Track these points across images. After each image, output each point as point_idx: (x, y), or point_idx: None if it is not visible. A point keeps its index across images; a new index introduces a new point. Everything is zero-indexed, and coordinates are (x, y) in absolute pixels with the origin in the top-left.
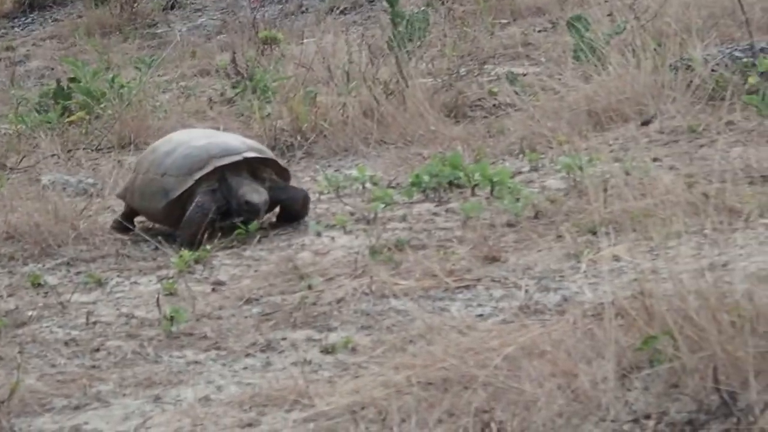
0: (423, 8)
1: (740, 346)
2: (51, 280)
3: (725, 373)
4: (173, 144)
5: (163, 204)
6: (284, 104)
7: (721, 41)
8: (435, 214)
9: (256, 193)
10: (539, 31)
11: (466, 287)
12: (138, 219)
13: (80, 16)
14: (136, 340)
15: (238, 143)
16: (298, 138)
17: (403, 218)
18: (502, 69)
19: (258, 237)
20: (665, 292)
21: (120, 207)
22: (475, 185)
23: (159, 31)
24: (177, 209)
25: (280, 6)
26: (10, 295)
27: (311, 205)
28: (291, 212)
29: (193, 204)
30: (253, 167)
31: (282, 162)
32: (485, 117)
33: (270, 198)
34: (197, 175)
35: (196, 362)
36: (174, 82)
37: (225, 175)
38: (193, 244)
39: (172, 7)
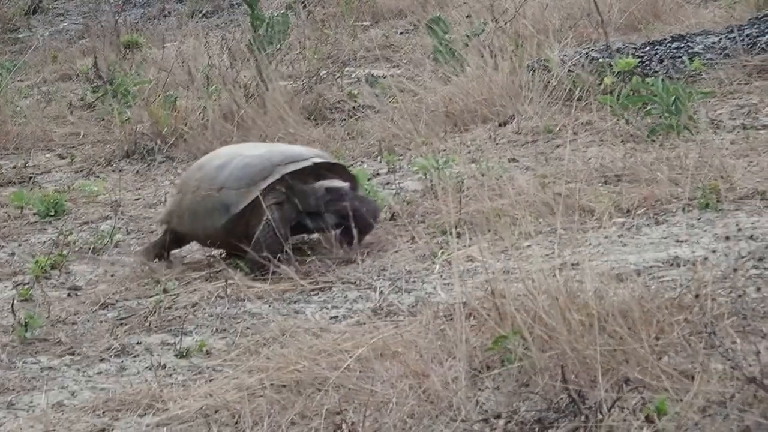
0: (283, 11)
1: (589, 344)
2: None
3: (574, 371)
4: (225, 157)
5: (224, 221)
6: (144, 108)
7: (579, 42)
8: None
9: (335, 182)
10: (401, 34)
11: (321, 289)
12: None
13: None
14: None
15: (301, 149)
16: (159, 142)
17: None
18: (363, 71)
19: (115, 241)
20: (517, 292)
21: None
22: None
23: (21, 35)
24: (240, 226)
25: (143, 10)
26: None
27: None
28: (362, 224)
29: (262, 224)
30: (319, 175)
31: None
32: (345, 119)
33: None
34: (262, 185)
35: (50, 368)
36: (35, 87)
37: (292, 184)
38: (263, 267)
39: (34, 12)
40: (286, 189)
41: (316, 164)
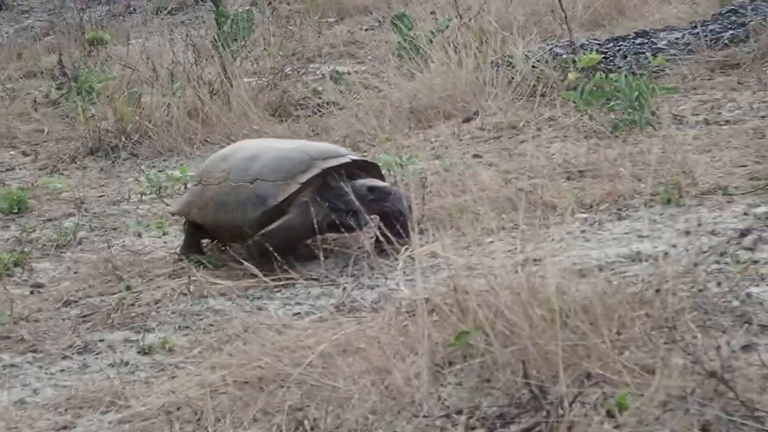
0: (247, 8)
1: (551, 340)
2: None
3: (536, 366)
4: (253, 149)
5: (258, 213)
6: (109, 105)
7: (543, 38)
8: None
9: (375, 181)
10: (366, 30)
11: (285, 286)
12: None
13: None
14: None
15: (332, 146)
16: (123, 139)
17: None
18: (328, 68)
19: (79, 238)
20: (479, 287)
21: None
22: None
23: None
24: (274, 220)
25: (108, 7)
26: None
27: (134, 206)
28: (395, 223)
29: (283, 219)
30: (352, 173)
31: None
32: (309, 116)
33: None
34: (302, 179)
35: (12, 365)
36: None
37: (327, 180)
38: (263, 256)
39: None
40: (315, 188)
41: (353, 161)
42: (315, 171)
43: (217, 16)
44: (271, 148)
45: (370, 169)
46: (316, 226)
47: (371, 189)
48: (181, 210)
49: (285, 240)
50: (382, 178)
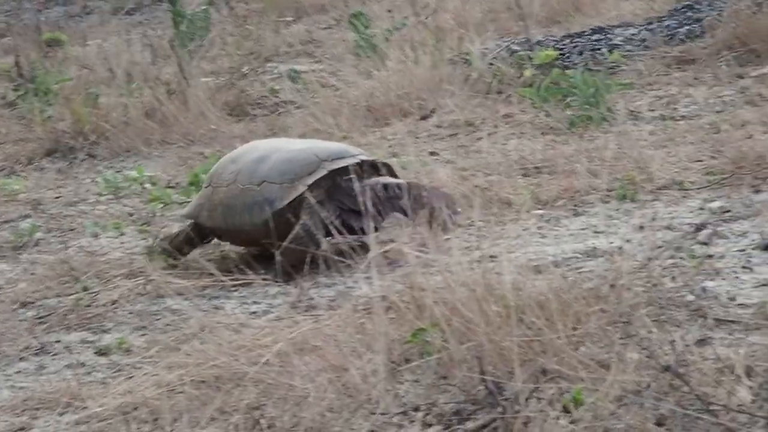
0: (204, 7)
1: (506, 336)
2: None
3: (492, 363)
4: (262, 150)
5: (266, 216)
6: (66, 106)
7: (500, 35)
8: None
9: (390, 179)
10: (323, 29)
11: (242, 285)
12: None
13: None
14: None
15: (341, 145)
16: (80, 140)
17: (182, 218)
18: (285, 67)
19: (36, 240)
20: (435, 284)
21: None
22: None
23: None
24: (282, 223)
25: (65, 8)
26: None
27: (91, 207)
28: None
29: (297, 226)
30: (362, 174)
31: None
32: (267, 115)
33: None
34: (309, 181)
35: None
36: None
37: (336, 181)
38: (294, 272)
39: None
40: (327, 189)
41: (362, 161)
42: (322, 172)
43: (174, 16)
44: (280, 149)
45: (382, 168)
46: (330, 227)
47: (386, 187)
48: (191, 213)
49: (305, 246)
50: (395, 176)
